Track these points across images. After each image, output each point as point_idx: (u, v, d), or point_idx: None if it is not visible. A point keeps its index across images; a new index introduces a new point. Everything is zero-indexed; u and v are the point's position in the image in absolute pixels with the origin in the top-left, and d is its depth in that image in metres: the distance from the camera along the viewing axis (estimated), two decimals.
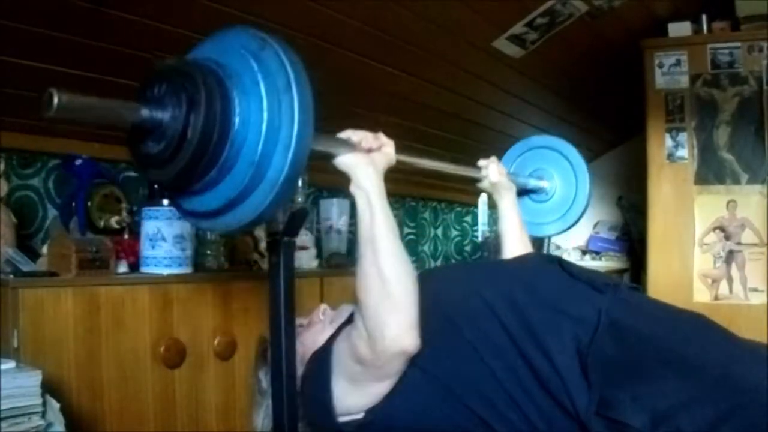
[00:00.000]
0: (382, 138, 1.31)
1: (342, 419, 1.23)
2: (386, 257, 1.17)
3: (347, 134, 1.27)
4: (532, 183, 1.95)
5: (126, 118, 0.96)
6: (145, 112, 0.95)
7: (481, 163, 1.76)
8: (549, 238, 4.44)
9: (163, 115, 0.95)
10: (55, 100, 0.86)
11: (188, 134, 0.93)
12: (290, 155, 0.94)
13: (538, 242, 4.43)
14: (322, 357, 1.27)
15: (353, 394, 1.23)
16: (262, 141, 0.94)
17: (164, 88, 0.96)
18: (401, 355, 1.16)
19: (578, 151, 1.97)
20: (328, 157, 1.23)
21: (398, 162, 1.34)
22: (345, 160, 1.24)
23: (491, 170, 1.74)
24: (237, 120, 0.95)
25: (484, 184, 1.76)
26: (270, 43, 0.98)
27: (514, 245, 1.73)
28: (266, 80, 0.96)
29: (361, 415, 1.23)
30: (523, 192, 1.88)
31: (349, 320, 1.29)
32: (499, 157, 1.86)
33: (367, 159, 1.25)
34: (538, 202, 1.98)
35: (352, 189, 1.24)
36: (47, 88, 0.86)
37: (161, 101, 0.96)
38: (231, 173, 0.97)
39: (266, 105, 0.95)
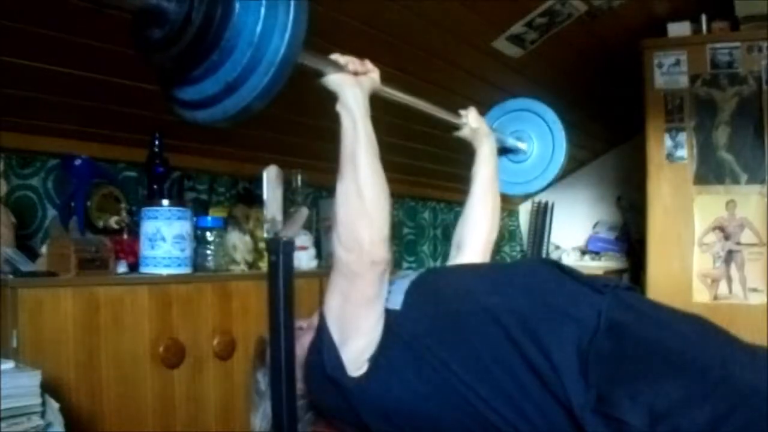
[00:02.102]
0: (368, 64, 1.38)
1: (352, 372, 1.25)
2: (366, 176, 1.24)
3: (335, 56, 1.32)
4: (511, 141, 1.98)
5: (136, 2, 1.01)
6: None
7: (462, 111, 1.78)
8: (548, 238, 4.46)
9: (169, 3, 0.99)
10: None
11: (192, 16, 0.97)
12: (287, 36, 1.00)
13: (537, 242, 4.44)
14: (320, 330, 1.29)
15: (349, 339, 1.25)
16: (261, 23, 1.00)
17: None
18: (375, 265, 1.24)
19: (553, 111, 2.00)
20: (318, 75, 1.28)
21: (382, 92, 1.40)
22: (333, 79, 1.29)
23: (471, 116, 1.76)
24: (237, 4, 1.00)
25: (464, 132, 1.77)
26: None
27: (484, 192, 1.76)
28: None
29: (366, 366, 1.25)
30: (501, 151, 1.91)
31: None
32: None
33: (354, 80, 1.31)
34: (516, 162, 2.03)
35: (338, 108, 1.29)
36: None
37: None
38: (231, 56, 1.01)
39: None
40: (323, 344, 1.27)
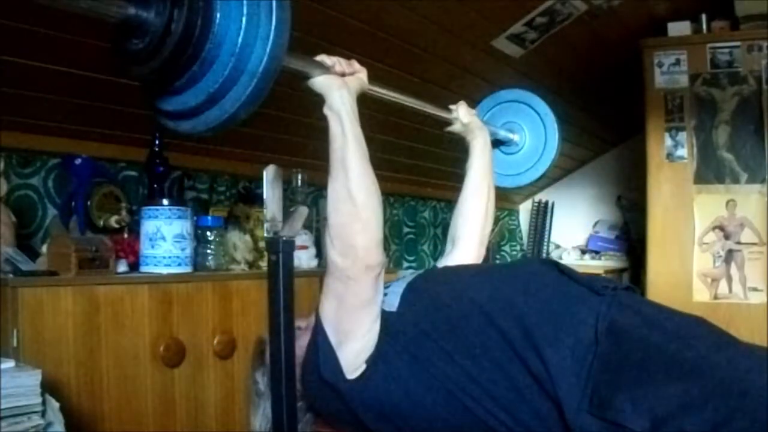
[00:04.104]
0: (356, 65, 1.35)
1: (349, 374, 1.24)
2: (356, 179, 1.23)
3: (321, 58, 1.30)
4: (503, 133, 1.97)
5: (113, 13, 0.99)
6: (131, 10, 0.98)
7: (452, 106, 1.76)
8: (548, 237, 4.45)
9: (148, 14, 0.98)
10: None
11: (172, 28, 0.96)
12: (269, 46, 0.99)
13: (537, 241, 4.44)
14: (317, 332, 1.28)
15: (346, 343, 1.25)
16: (242, 33, 0.98)
17: None
18: (369, 270, 1.23)
19: (545, 102, 1.98)
20: (304, 77, 1.26)
21: (370, 91, 1.39)
22: (319, 81, 1.27)
23: (461, 111, 1.74)
24: (218, 14, 0.98)
25: (456, 127, 1.76)
26: None
27: (478, 185, 1.73)
28: None
29: (363, 367, 1.24)
30: (493, 144, 1.89)
31: None
32: None
33: (340, 81, 1.28)
34: (508, 154, 2.01)
35: (325, 110, 1.26)
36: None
37: (146, 1, 0.99)
38: (212, 67, 1.00)
39: (246, 0, 0.99)
40: (319, 347, 1.27)
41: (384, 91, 1.50)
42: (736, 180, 3.04)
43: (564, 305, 1.20)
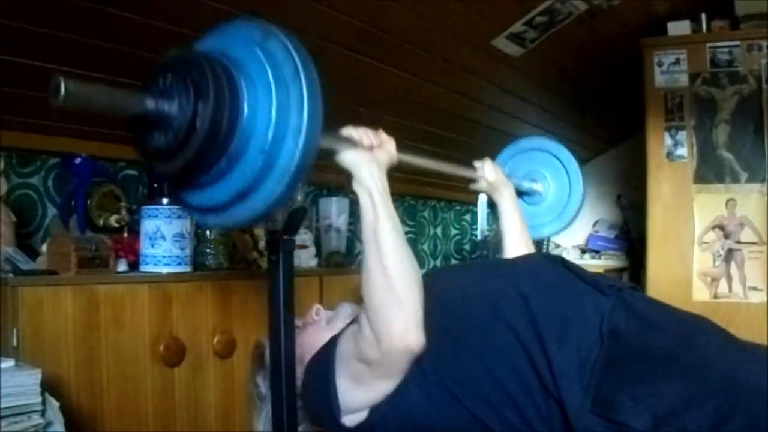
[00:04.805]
0: (383, 135, 1.30)
1: (346, 418, 1.23)
2: (390, 256, 1.16)
3: (348, 132, 1.25)
4: (526, 185, 1.93)
5: (132, 109, 0.93)
6: (150, 103, 0.92)
7: (476, 163, 1.74)
8: (548, 237, 4.45)
9: (170, 107, 0.92)
10: (62, 89, 0.83)
11: (197, 124, 0.90)
12: (301, 141, 0.92)
13: (537, 241, 4.44)
14: (325, 358, 1.27)
15: (357, 392, 1.23)
16: (272, 128, 0.92)
17: (170, 78, 0.94)
18: (406, 353, 1.16)
19: (568, 150, 1.95)
20: (331, 154, 1.21)
21: (399, 161, 1.33)
22: (348, 158, 1.22)
23: (486, 170, 1.72)
24: (246, 108, 0.93)
25: (481, 185, 1.74)
26: (274, 32, 0.97)
27: (516, 243, 1.72)
28: (273, 69, 0.94)
29: (365, 414, 1.23)
30: (516, 194, 1.86)
31: (354, 320, 1.29)
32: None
33: (370, 156, 1.24)
34: (532, 204, 1.96)
35: (355, 187, 1.22)
36: (52, 77, 0.84)
37: (167, 92, 0.93)
38: (240, 163, 0.95)
39: (275, 92, 0.93)
40: (323, 380, 1.24)
41: (414, 158, 1.45)
42: (736, 179, 3.03)
43: (570, 304, 1.20)
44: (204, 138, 0.91)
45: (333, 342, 1.28)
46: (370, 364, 1.19)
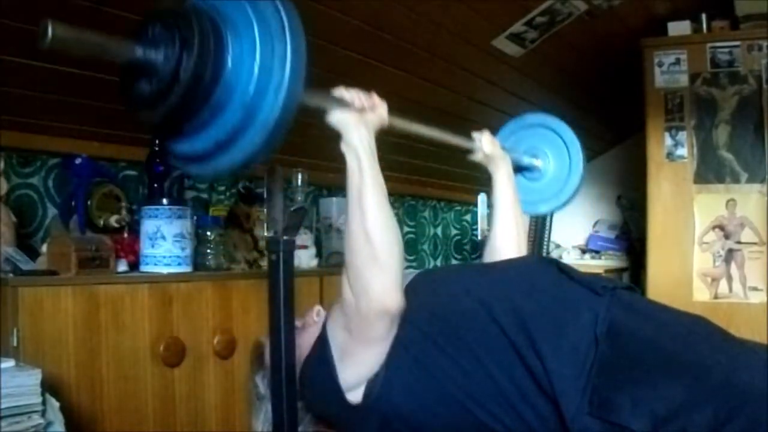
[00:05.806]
0: (375, 98, 1.30)
1: (350, 394, 1.24)
2: (373, 219, 1.19)
3: (340, 92, 1.26)
4: (526, 160, 1.92)
5: (120, 55, 0.96)
6: (139, 51, 0.95)
7: (474, 134, 1.73)
8: (548, 237, 4.45)
9: (157, 56, 0.95)
10: (50, 32, 0.86)
11: (180, 73, 0.92)
12: (281, 98, 0.95)
13: (537, 241, 4.44)
14: (320, 342, 1.28)
15: (347, 366, 1.24)
16: (254, 83, 0.95)
17: (159, 28, 0.97)
18: (384, 314, 1.19)
19: (571, 129, 1.93)
20: (321, 113, 1.23)
21: (390, 125, 1.34)
22: (338, 118, 1.23)
23: (484, 141, 1.71)
24: (230, 61, 0.96)
25: (478, 156, 1.72)
26: None
27: (506, 216, 1.70)
28: (260, 25, 0.97)
29: (362, 390, 1.24)
30: (516, 169, 1.84)
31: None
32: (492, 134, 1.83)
33: (359, 118, 1.25)
34: (531, 180, 1.95)
35: (343, 147, 1.23)
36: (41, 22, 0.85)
37: (155, 41, 0.96)
38: (222, 114, 0.97)
39: (259, 48, 0.96)
40: (322, 361, 1.26)
41: (406, 123, 1.45)
42: (736, 179, 3.04)
43: (563, 307, 1.20)
44: (186, 87, 0.93)
45: (324, 326, 1.30)
46: (351, 331, 1.22)
